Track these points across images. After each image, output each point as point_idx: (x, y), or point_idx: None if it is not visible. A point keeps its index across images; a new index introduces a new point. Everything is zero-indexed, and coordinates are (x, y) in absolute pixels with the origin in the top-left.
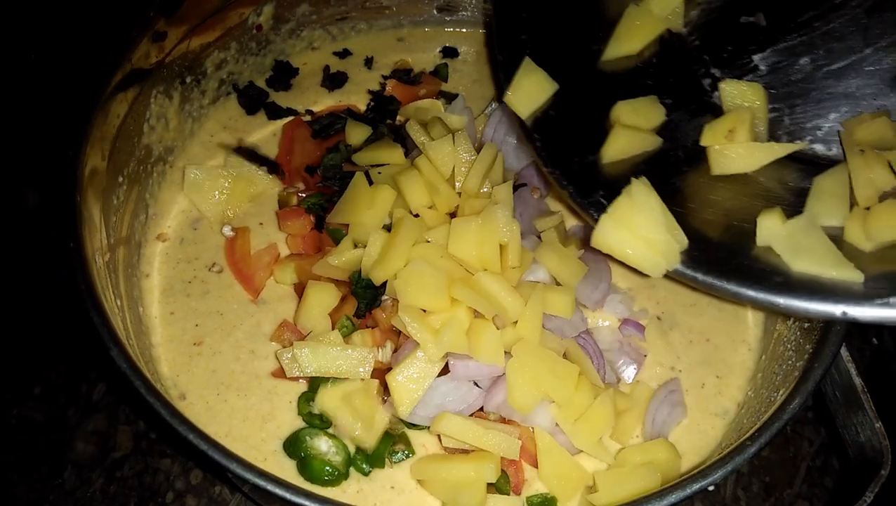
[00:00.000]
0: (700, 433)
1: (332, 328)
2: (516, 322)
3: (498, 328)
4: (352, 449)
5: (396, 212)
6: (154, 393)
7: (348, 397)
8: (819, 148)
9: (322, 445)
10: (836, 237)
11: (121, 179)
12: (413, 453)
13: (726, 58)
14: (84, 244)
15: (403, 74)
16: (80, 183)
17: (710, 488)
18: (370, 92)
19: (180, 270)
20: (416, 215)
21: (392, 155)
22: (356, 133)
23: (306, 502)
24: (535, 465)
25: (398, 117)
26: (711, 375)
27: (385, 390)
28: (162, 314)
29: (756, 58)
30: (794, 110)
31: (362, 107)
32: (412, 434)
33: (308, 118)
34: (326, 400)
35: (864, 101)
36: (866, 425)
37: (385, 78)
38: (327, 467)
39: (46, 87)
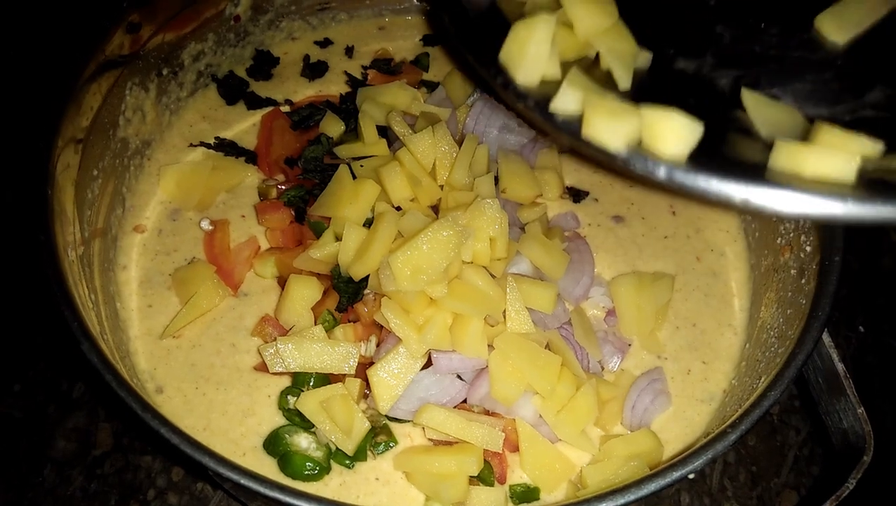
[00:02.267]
0: (685, 420)
1: (315, 323)
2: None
3: (492, 326)
4: (333, 446)
5: (379, 206)
6: (125, 387)
7: (327, 405)
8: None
9: (302, 441)
10: None
11: (96, 172)
12: (396, 442)
13: (684, 26)
14: (55, 238)
15: (384, 64)
16: (52, 176)
17: (691, 476)
18: (347, 73)
19: (158, 261)
20: (398, 208)
21: (375, 148)
22: (334, 126)
23: (282, 497)
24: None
25: (357, 100)
26: (697, 360)
27: (368, 383)
28: (140, 307)
29: (719, 28)
30: (769, 77)
31: None
32: (397, 424)
33: (287, 109)
34: (305, 406)
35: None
36: (849, 411)
37: (365, 68)
38: (308, 463)
39: (21, 81)
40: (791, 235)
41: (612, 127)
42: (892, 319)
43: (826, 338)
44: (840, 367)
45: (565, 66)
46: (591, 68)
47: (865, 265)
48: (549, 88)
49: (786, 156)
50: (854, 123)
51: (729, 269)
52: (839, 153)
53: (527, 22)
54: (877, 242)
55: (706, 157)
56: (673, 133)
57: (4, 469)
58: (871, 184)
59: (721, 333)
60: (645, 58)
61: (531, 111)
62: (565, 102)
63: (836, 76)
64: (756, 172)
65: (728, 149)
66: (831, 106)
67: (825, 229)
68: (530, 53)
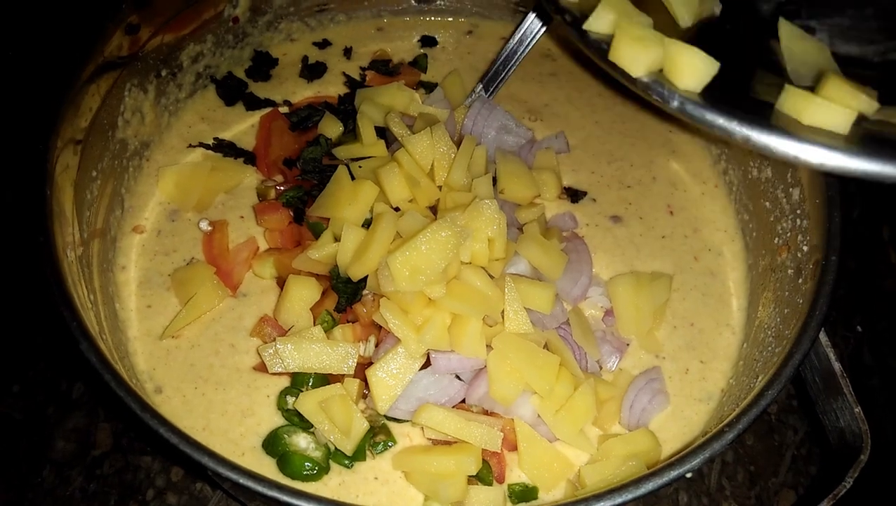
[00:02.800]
0: (684, 420)
1: (314, 323)
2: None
3: (490, 326)
4: (332, 446)
5: (377, 206)
6: (125, 387)
7: (326, 405)
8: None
9: (301, 441)
10: None
11: (95, 173)
12: (395, 442)
13: None
14: (54, 239)
15: (382, 65)
16: (51, 177)
17: (689, 475)
18: (345, 75)
19: (158, 262)
20: (397, 209)
21: (374, 148)
22: (333, 127)
23: (281, 496)
24: None
25: (355, 101)
26: (695, 360)
27: (366, 383)
28: (138, 307)
29: None
30: (810, 8)
31: None
32: (396, 424)
33: (286, 109)
34: (304, 406)
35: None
36: (846, 411)
37: (364, 69)
38: (307, 463)
39: (21, 82)
40: (788, 234)
41: (636, 53)
42: (891, 319)
43: (823, 337)
44: (837, 366)
45: None
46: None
47: (863, 265)
48: (588, 8)
49: (791, 101)
50: (880, 66)
51: (727, 268)
52: (837, 108)
53: None
54: (875, 241)
55: (722, 91)
56: (690, 68)
57: (4, 470)
58: (865, 138)
59: (719, 332)
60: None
61: (567, 26)
62: (599, 23)
63: (875, 15)
64: (762, 112)
65: (746, 84)
66: (863, 45)
67: (823, 229)
68: None
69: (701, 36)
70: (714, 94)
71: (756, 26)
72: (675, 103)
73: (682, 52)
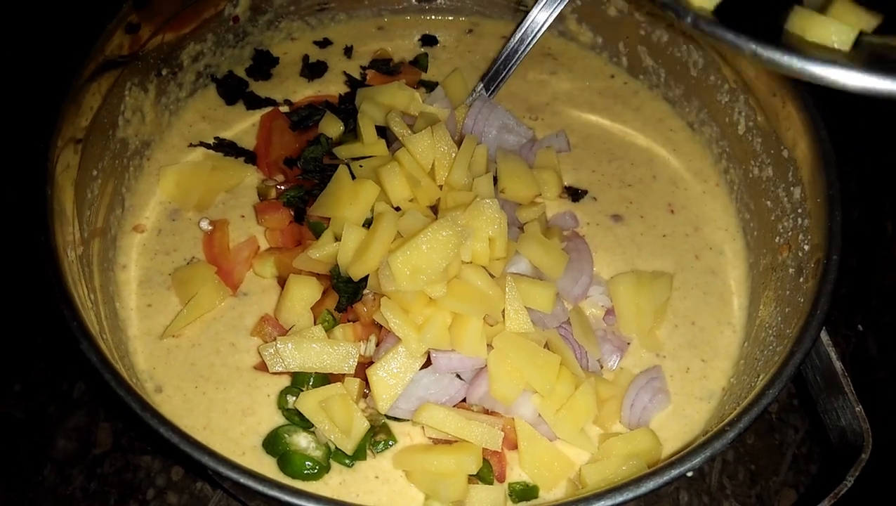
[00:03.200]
0: (685, 418)
1: (314, 322)
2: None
3: (491, 326)
4: (332, 445)
5: (378, 206)
6: (125, 386)
7: (326, 404)
8: None
9: (301, 440)
10: None
11: (95, 172)
12: (395, 441)
13: None
14: (55, 238)
15: (383, 65)
16: (51, 176)
17: (690, 474)
18: (346, 74)
19: (158, 261)
20: (398, 209)
21: (374, 148)
22: (334, 126)
23: (282, 495)
24: None
25: (356, 100)
26: (696, 358)
27: (367, 383)
28: (139, 306)
29: None
30: None
31: None
32: (397, 423)
33: (286, 109)
34: (305, 405)
35: None
36: (847, 410)
37: (364, 68)
38: (308, 462)
39: (21, 81)
40: (789, 233)
41: None
42: (891, 315)
43: (824, 336)
44: (838, 365)
45: None
46: None
47: (864, 263)
48: None
49: (798, 20)
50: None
51: (728, 267)
52: (840, 24)
53: None
54: (877, 237)
55: (734, 13)
56: None
57: (5, 469)
58: (868, 56)
59: (720, 331)
60: None
61: None
62: None
63: None
64: (771, 31)
65: (758, 8)
66: None
67: (824, 228)
68: None
69: None
70: (727, 15)
71: None
72: (689, 19)
73: None
